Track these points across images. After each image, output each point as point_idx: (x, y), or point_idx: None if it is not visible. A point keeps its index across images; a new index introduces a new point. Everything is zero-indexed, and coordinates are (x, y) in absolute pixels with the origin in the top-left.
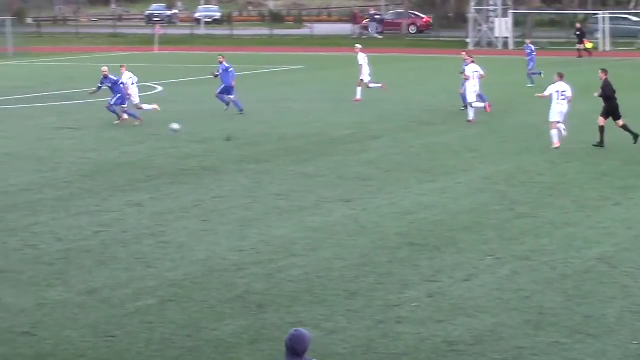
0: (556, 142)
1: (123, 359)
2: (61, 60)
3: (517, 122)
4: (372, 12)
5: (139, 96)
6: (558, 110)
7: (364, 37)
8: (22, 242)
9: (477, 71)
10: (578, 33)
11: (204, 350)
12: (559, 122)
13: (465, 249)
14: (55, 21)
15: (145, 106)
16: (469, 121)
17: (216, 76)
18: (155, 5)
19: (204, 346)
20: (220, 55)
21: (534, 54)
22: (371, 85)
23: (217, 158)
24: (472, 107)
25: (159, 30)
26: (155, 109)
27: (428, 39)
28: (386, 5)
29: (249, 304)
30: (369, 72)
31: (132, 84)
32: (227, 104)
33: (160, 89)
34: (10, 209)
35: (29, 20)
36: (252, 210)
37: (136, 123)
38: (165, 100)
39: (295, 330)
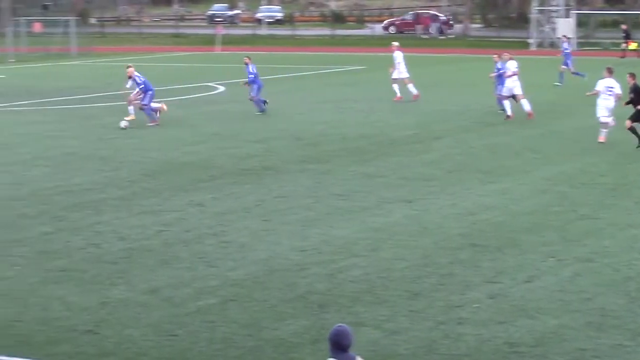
0: (601, 137)
1: (185, 358)
2: (124, 60)
3: (578, 122)
4: (433, 12)
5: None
6: (604, 105)
7: (425, 37)
8: (85, 241)
9: (517, 67)
10: (624, 34)
11: (265, 350)
12: (606, 117)
13: (526, 250)
14: (118, 21)
15: (130, 108)
16: (529, 114)
17: (247, 84)
18: (217, 6)
19: (265, 346)
20: (246, 56)
21: (567, 51)
22: (394, 85)
23: (278, 158)
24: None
25: (220, 30)
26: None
27: (490, 39)
28: (448, 6)
29: (310, 303)
30: (405, 69)
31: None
32: (265, 101)
33: (222, 89)
34: (74, 208)
35: (93, 21)
36: (313, 210)
37: (128, 119)
38: (226, 100)
39: (339, 326)
